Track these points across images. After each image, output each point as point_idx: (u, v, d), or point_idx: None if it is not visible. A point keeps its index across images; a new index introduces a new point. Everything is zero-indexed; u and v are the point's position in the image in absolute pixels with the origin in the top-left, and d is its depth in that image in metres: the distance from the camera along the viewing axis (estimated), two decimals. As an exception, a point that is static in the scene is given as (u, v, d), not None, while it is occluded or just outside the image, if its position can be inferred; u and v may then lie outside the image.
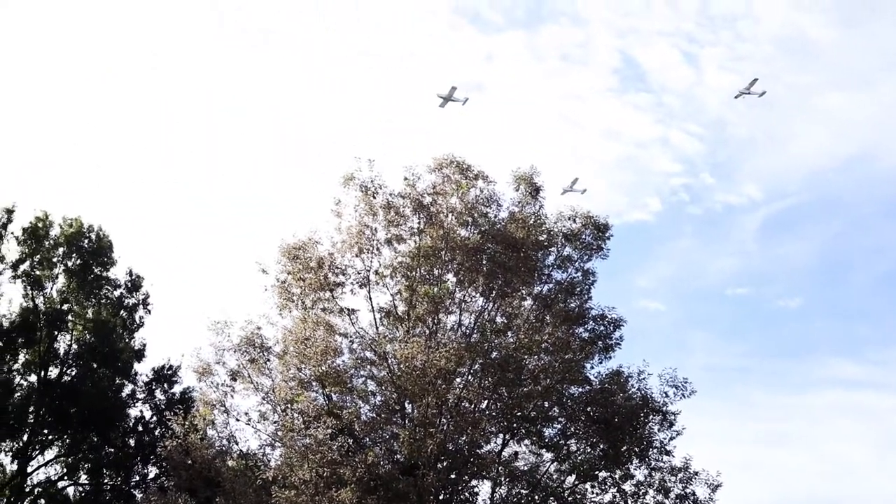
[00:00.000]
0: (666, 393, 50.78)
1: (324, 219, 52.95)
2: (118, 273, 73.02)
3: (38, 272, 69.91)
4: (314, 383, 49.30)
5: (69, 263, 71.14)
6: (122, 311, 72.64)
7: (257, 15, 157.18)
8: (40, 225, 70.70)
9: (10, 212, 70.15)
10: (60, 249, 71.00)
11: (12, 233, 70.07)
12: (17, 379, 69.84)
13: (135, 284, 73.52)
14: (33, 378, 69.49)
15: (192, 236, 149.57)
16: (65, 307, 70.31)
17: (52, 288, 70.58)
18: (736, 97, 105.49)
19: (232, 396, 51.02)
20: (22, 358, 69.80)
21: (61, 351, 70.11)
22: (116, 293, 72.69)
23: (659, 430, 50.59)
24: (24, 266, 69.64)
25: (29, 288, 69.53)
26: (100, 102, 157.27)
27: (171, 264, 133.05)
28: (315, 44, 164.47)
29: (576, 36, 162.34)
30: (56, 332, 69.70)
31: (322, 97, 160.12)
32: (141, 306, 73.62)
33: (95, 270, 71.62)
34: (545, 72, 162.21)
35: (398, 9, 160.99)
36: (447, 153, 53.00)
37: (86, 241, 71.69)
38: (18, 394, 69.32)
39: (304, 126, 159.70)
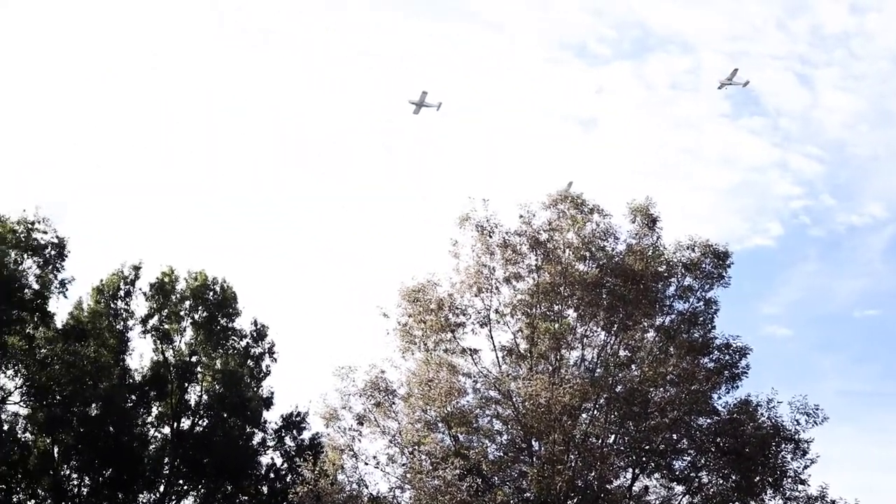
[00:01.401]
0: (797, 420, 49.60)
1: (441, 260, 53.28)
2: (243, 323, 74.73)
3: (166, 326, 71.91)
4: (440, 424, 49.43)
5: (196, 316, 73.01)
6: (248, 361, 74.16)
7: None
8: (166, 280, 72.78)
9: (137, 268, 72.47)
10: (187, 303, 72.94)
11: (140, 289, 72.42)
12: (152, 431, 71.85)
13: (260, 334, 75.00)
14: (167, 430, 71.40)
15: (312, 283, 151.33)
16: (193, 359, 72.14)
17: (180, 341, 72.55)
18: (719, 88, 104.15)
19: (359, 440, 51.30)
20: (155, 410, 71.81)
21: (192, 402, 71.85)
22: (242, 343, 74.25)
23: (792, 458, 49.37)
24: (153, 321, 71.82)
25: (158, 342, 71.62)
26: (194, 149, 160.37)
27: (294, 312, 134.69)
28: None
29: (684, 63, 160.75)
30: (186, 384, 71.55)
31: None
32: (267, 355, 75.11)
33: (221, 322, 73.31)
34: (656, 101, 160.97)
35: (503, 46, 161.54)
36: (562, 188, 53.01)
37: (211, 293, 73.48)
38: (153, 446, 71.20)
39: (419, 162, 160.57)
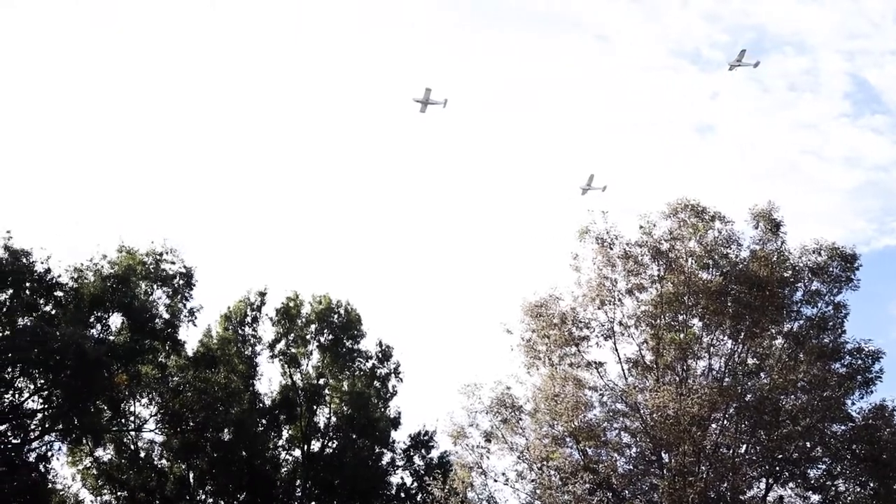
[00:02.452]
0: (937, 425, 48.25)
1: (562, 273, 53.18)
2: (368, 344, 75.72)
3: (293, 350, 73.24)
4: (568, 439, 49.24)
5: (321, 339, 74.22)
6: (375, 382, 74.98)
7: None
8: (292, 304, 74.14)
9: (262, 294, 74.06)
10: (312, 326, 74.18)
11: (266, 314, 73.91)
12: (283, 454, 73.04)
13: (385, 354, 75.75)
14: (297, 452, 72.54)
15: (434, 302, 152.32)
16: (321, 382, 73.25)
17: (307, 364, 73.86)
18: (730, 70, 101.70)
19: (488, 458, 51.38)
20: (285, 434, 73.01)
21: (321, 424, 72.90)
22: (368, 364, 75.12)
23: (933, 464, 48.00)
24: (280, 345, 73.26)
25: (286, 366, 72.97)
26: (311, 177, 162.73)
27: (417, 331, 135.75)
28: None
29: (801, 63, 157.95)
30: (315, 407, 72.67)
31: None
32: (393, 375, 75.84)
33: (347, 344, 74.33)
34: (774, 104, 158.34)
35: (612, 57, 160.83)
36: (681, 197, 52.49)
37: (335, 316, 74.55)
38: (285, 468, 72.40)
39: (538, 181, 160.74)
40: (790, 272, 51.65)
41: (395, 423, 74.99)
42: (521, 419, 51.19)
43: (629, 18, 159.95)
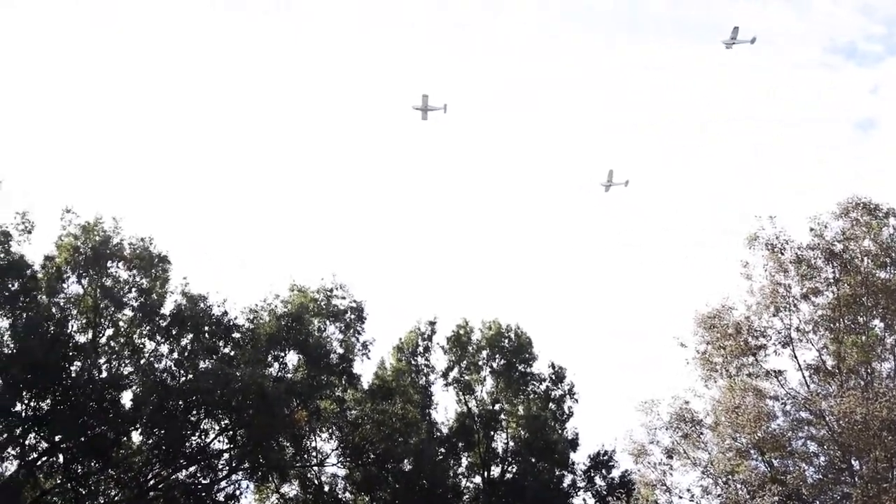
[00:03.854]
0: None
1: (733, 281, 52.23)
2: (540, 367, 75.68)
3: (466, 377, 73.94)
4: (752, 451, 48.27)
5: (494, 365, 74.80)
6: (550, 404, 74.97)
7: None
8: (462, 332, 74.91)
9: (432, 324, 75.11)
10: (484, 352, 74.79)
11: (437, 343, 74.78)
12: (464, 482, 73.42)
13: (558, 376, 75.71)
14: (478, 479, 72.88)
15: (600, 320, 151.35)
16: (496, 407, 73.62)
17: (481, 390, 74.39)
18: (728, 48, 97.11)
19: (671, 474, 50.77)
20: (465, 461, 73.52)
21: (499, 449, 73.21)
22: (542, 387, 75.18)
23: None
24: (454, 373, 74.15)
25: (461, 393, 73.65)
26: (466, 204, 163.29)
27: (587, 350, 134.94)
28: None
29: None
30: (492, 433, 72.95)
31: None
32: (568, 396, 75.57)
33: (519, 368, 74.64)
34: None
35: (765, 55, 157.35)
36: (851, 195, 51.00)
37: (506, 340, 74.94)
38: (467, 495, 72.80)
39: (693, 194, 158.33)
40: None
41: (574, 444, 74.74)
42: (702, 433, 50.45)
43: (782, 17, 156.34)
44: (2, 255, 55.91)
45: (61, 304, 59.35)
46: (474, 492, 73.37)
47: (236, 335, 62.93)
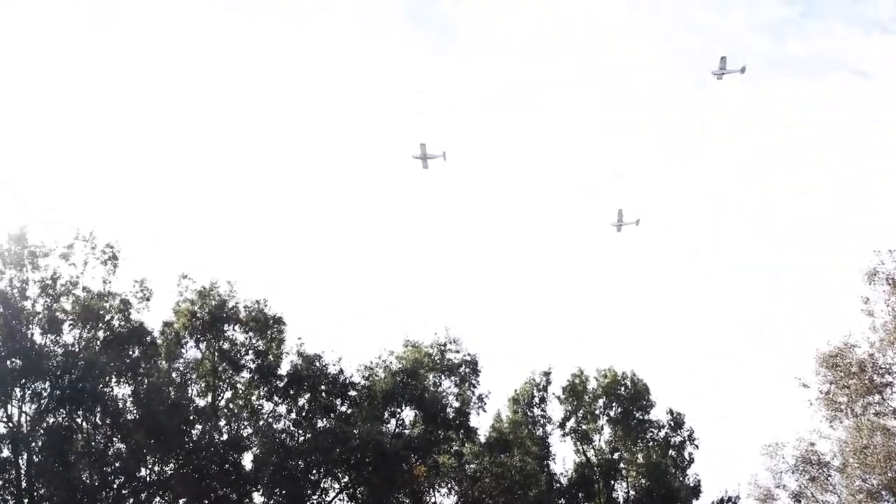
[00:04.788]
0: None
1: (854, 318, 51.03)
2: (658, 414, 74.64)
3: (583, 426, 73.33)
4: (883, 492, 46.98)
5: (611, 413, 73.98)
6: (670, 451, 73.76)
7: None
8: (577, 381, 74.44)
9: (547, 374, 74.85)
10: (600, 401, 74.22)
11: (553, 393, 74.34)
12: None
13: (677, 422, 74.64)
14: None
15: (719, 363, 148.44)
16: (615, 456, 72.72)
17: (599, 439, 73.64)
18: (719, 79, 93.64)
19: (800, 518, 49.76)
20: (584, 511, 72.63)
21: (620, 499, 72.23)
22: (661, 434, 74.15)
23: None
24: (571, 423, 73.56)
25: (579, 443, 72.94)
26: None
27: (704, 394, 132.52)
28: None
29: None
30: (612, 482, 72.03)
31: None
32: (687, 442, 74.35)
33: (637, 415, 73.81)
34: None
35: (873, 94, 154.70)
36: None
37: (622, 388, 74.23)
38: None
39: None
40: None
41: (696, 491, 73.36)
42: (829, 475, 49.42)
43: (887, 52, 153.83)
44: (123, 323, 57.17)
45: (181, 368, 60.55)
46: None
47: (353, 393, 63.16)
